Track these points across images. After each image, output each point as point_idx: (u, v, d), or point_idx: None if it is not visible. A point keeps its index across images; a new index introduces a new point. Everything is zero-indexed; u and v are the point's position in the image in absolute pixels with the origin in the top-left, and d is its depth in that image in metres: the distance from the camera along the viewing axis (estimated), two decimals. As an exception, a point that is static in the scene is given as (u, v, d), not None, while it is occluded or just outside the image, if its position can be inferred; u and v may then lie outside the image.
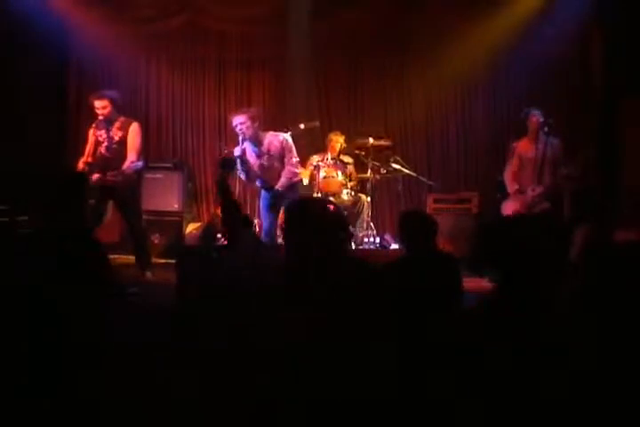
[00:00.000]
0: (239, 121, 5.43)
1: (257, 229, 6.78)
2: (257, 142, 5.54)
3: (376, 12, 7.47)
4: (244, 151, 5.58)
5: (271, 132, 5.66)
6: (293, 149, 5.66)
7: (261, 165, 5.62)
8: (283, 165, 5.60)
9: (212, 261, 4.00)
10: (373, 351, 2.01)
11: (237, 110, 5.71)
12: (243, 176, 5.68)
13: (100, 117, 5.43)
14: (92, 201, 5.25)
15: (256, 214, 6.81)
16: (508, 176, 5.85)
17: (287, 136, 5.72)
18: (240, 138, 5.48)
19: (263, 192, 5.81)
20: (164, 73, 7.96)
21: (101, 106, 5.40)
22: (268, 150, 5.57)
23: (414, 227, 3.43)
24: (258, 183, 5.80)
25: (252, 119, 5.44)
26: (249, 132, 5.44)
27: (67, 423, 2.02)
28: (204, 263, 3.88)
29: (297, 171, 5.69)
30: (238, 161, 5.52)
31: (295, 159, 5.65)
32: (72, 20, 7.34)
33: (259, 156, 5.59)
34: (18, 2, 6.74)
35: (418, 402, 1.85)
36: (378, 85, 7.75)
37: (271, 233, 5.74)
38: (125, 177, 5.37)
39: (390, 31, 7.60)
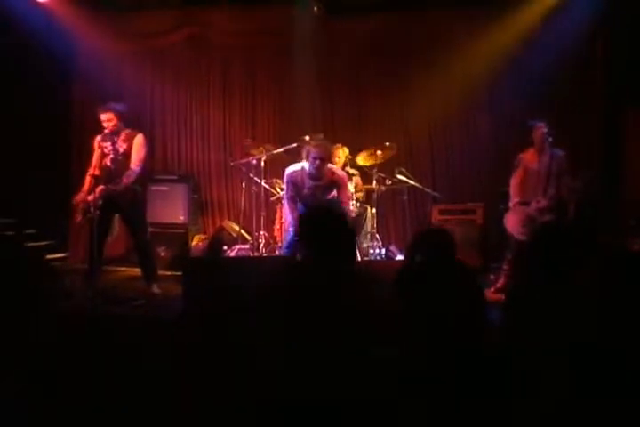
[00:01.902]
0: (319, 156, 5.52)
1: (263, 241, 6.81)
2: (320, 177, 5.66)
3: (380, 25, 7.51)
4: (300, 175, 5.68)
5: (330, 167, 5.77)
6: (349, 184, 6.04)
7: (313, 195, 5.75)
8: (329, 194, 5.78)
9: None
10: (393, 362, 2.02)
11: (317, 142, 5.81)
12: (288, 207, 5.80)
13: (106, 130, 5.45)
14: (97, 213, 5.26)
15: (262, 226, 6.83)
16: (512, 188, 5.84)
17: (344, 174, 5.94)
18: (310, 167, 5.58)
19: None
20: (169, 86, 8.00)
21: (107, 119, 5.42)
22: (325, 186, 5.73)
23: (433, 243, 3.44)
24: (301, 205, 5.88)
25: (330, 159, 5.69)
26: (322, 169, 5.59)
27: None
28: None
29: (350, 207, 6.05)
30: (291, 186, 5.72)
31: (350, 193, 6.10)
32: (77, 34, 7.41)
33: (315, 187, 5.72)
34: (23, 16, 6.81)
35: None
36: (382, 97, 7.76)
37: (293, 247, 5.77)
38: (125, 186, 5.36)
39: (394, 43, 7.63)
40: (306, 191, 5.74)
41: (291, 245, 5.75)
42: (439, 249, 3.41)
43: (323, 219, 2.47)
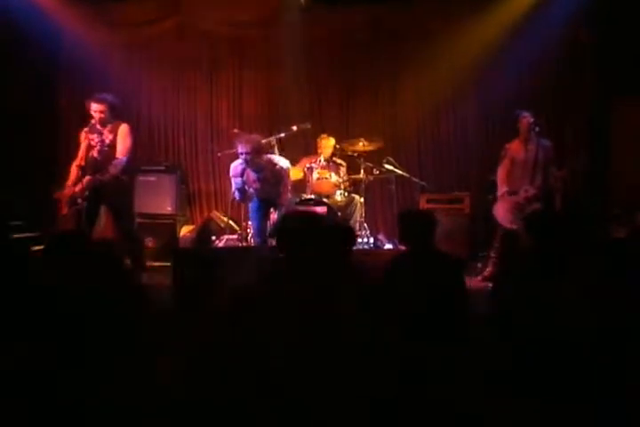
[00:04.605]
0: (244, 150, 5.55)
1: (251, 231, 6.82)
2: (258, 170, 5.68)
3: (368, 14, 7.49)
4: (244, 170, 5.69)
5: (271, 158, 5.78)
6: (290, 174, 5.96)
7: (260, 187, 5.79)
8: (279, 187, 5.76)
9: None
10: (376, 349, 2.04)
11: (243, 137, 5.79)
12: (237, 195, 5.77)
13: (95, 121, 5.41)
14: (84, 204, 5.24)
15: (243, 217, 6.83)
16: (500, 177, 5.89)
17: (285, 163, 5.88)
18: (241, 159, 5.62)
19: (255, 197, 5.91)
20: (156, 76, 7.94)
21: (99, 110, 5.38)
22: (266, 177, 5.73)
23: (414, 225, 3.45)
24: (254, 195, 5.90)
25: (257, 152, 5.58)
26: (251, 163, 5.60)
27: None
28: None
29: (290, 197, 6.01)
30: (237, 180, 5.73)
31: (289, 186, 5.94)
32: (63, 24, 7.32)
33: (258, 179, 5.75)
34: (8, 6, 6.73)
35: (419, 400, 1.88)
36: (369, 86, 7.77)
37: (262, 233, 5.87)
38: (112, 175, 5.32)
39: (381, 34, 7.62)
40: (254, 185, 5.77)
41: (260, 233, 5.90)
42: (419, 236, 3.43)
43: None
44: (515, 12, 7.00)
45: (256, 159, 5.60)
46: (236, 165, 5.78)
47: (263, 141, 5.71)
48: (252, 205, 5.96)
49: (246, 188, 5.74)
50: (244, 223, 6.85)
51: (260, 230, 5.91)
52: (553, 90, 7.25)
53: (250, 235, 6.79)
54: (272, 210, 5.99)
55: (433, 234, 3.43)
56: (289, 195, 5.96)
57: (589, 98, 7.08)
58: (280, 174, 5.76)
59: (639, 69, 6.65)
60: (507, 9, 7.03)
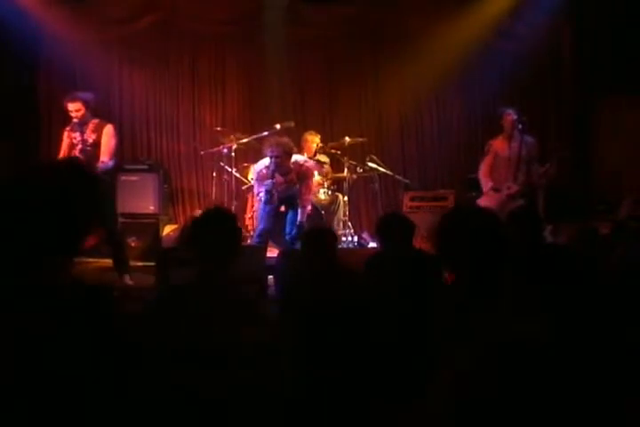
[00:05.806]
0: (274, 153, 5.56)
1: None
2: (286, 172, 5.70)
3: (350, 12, 7.49)
4: (273, 172, 5.66)
5: (297, 159, 5.79)
6: (313, 173, 6.00)
7: (284, 189, 5.81)
8: (302, 187, 5.81)
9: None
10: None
11: (273, 140, 5.77)
12: (264, 197, 5.70)
13: (75, 120, 5.36)
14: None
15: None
16: (482, 174, 5.91)
17: (310, 162, 5.95)
18: (271, 162, 5.61)
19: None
20: (137, 74, 7.87)
21: (75, 108, 5.32)
22: (292, 179, 5.76)
23: (393, 229, 3.49)
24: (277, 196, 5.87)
25: (288, 155, 5.61)
26: (283, 165, 5.61)
27: None
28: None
29: (311, 198, 6.02)
30: (261, 183, 5.71)
31: (312, 185, 6.00)
32: (42, 22, 7.23)
33: (285, 181, 5.78)
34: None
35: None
36: (352, 85, 7.77)
37: (264, 235, 5.84)
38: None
39: (364, 31, 7.62)
40: (280, 187, 5.77)
41: (261, 236, 5.81)
42: (395, 237, 3.46)
43: None
44: (498, 9, 7.03)
45: (286, 162, 5.62)
46: (261, 169, 5.77)
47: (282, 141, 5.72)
48: (267, 206, 5.86)
49: (273, 191, 5.72)
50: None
51: (265, 231, 5.81)
52: (536, 88, 7.29)
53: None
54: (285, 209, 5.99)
55: (411, 237, 3.47)
56: (311, 195, 6.00)
57: (572, 93, 7.13)
58: (305, 174, 5.80)
59: (622, 68, 6.70)
60: (491, 6, 7.05)
